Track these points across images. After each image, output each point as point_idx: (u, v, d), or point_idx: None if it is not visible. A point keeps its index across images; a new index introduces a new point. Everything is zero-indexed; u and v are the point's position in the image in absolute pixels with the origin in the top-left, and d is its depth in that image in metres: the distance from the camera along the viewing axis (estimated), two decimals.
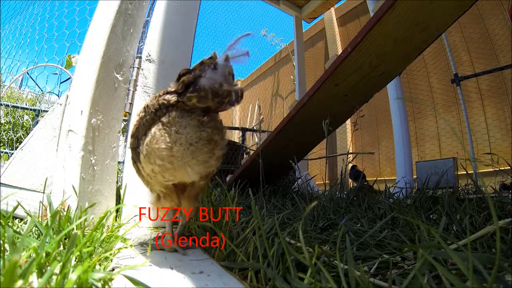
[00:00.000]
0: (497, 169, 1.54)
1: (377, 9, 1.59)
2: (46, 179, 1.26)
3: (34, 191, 1.28)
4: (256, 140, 7.10)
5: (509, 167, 1.44)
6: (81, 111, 1.25)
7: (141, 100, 1.52)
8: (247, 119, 8.86)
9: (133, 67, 1.56)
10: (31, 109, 5.31)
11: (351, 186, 3.84)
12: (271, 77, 8.51)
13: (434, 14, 1.66)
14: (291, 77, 6.97)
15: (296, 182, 2.66)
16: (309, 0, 5.00)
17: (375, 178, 2.49)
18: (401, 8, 1.54)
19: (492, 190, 1.52)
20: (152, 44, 1.61)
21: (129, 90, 1.52)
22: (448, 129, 4.19)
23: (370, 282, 0.64)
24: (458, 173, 3.32)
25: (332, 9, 6.21)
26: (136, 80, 1.54)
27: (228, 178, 2.80)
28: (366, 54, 1.75)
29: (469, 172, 3.12)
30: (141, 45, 1.62)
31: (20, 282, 0.45)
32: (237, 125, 8.57)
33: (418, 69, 4.82)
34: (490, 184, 1.64)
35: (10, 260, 0.42)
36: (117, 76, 1.45)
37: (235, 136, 8.09)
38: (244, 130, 5.94)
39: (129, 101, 1.52)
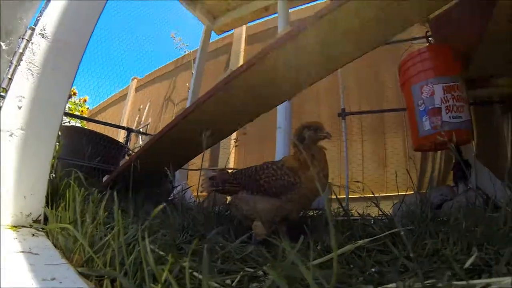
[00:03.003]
0: (363, 196, 1.78)
1: (278, 37, 1.67)
2: None
3: None
4: (140, 142, 6.81)
5: (372, 195, 1.67)
6: None
7: (23, 77, 1.34)
8: (135, 120, 8.44)
9: (23, 38, 1.36)
10: None
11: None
12: (167, 81, 8.28)
13: (333, 51, 1.80)
14: (187, 84, 6.89)
15: (173, 191, 2.62)
16: (225, 13, 5.06)
17: None
18: (301, 40, 1.62)
19: (357, 214, 1.74)
20: (50, 18, 1.42)
21: (11, 63, 1.32)
22: (329, 157, 4.64)
23: None
24: (332, 197, 3.68)
25: (244, 27, 6.39)
26: (22, 54, 1.35)
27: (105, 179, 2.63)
28: (259, 75, 1.80)
29: (342, 197, 3.52)
30: (39, 16, 1.43)
31: None
32: (124, 125, 8.07)
33: (311, 98, 5.25)
34: (357, 209, 1.88)
35: None
36: (2, 44, 1.25)
37: (121, 136, 7.62)
38: (130, 130, 5.63)
39: (9, 76, 1.31)
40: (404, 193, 1.83)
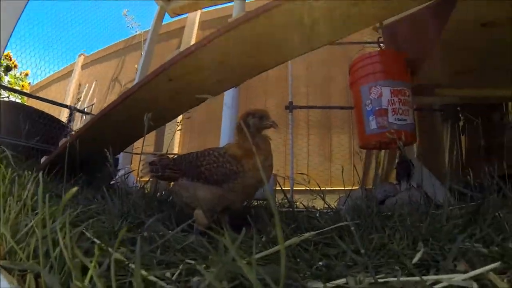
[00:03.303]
0: (309, 188, 1.76)
1: (232, 20, 1.61)
2: None
3: None
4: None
5: (319, 188, 1.66)
6: None
7: None
8: (80, 99, 7.92)
9: None
10: None
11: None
12: (116, 60, 7.86)
13: (285, 42, 1.80)
14: (136, 65, 6.58)
15: (115, 175, 2.48)
16: None
17: None
18: (256, 27, 1.59)
19: (302, 206, 1.72)
20: None
21: None
22: (274, 148, 4.72)
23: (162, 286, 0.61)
24: (277, 188, 3.70)
25: (199, 12, 6.22)
26: None
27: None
28: (208, 58, 1.74)
29: (287, 188, 3.53)
30: None
31: None
32: (68, 103, 7.51)
33: (259, 88, 5.25)
34: (302, 201, 1.86)
35: None
36: None
37: (64, 115, 7.11)
38: (73, 109, 5.26)
39: None
40: (349, 187, 1.85)
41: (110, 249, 0.63)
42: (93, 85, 7.83)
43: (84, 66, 8.81)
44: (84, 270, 0.60)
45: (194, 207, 1.31)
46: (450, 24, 2.06)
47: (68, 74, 9.08)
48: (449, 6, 1.95)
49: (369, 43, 4.39)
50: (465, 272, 0.64)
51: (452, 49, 2.38)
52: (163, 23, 5.15)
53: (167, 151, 4.37)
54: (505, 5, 1.82)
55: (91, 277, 0.56)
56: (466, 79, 2.81)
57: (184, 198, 1.34)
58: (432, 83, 2.96)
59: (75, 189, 0.59)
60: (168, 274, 0.70)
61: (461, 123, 3.85)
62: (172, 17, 5.35)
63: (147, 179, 1.37)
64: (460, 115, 3.77)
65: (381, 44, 3.28)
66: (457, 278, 0.62)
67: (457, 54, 2.43)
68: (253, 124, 1.35)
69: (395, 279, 0.62)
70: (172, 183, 1.49)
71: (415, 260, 0.75)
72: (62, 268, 0.63)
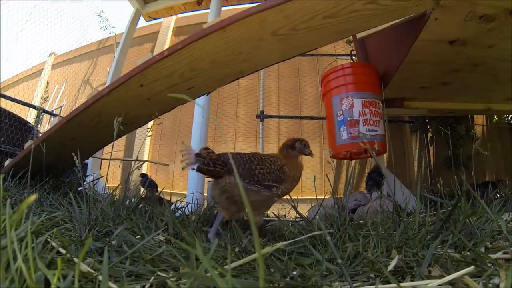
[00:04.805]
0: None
1: (207, 26, 1.59)
2: None
3: None
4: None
5: (289, 197, 1.64)
6: None
7: None
8: (50, 100, 7.60)
9: None
10: None
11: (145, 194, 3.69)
12: (87, 62, 7.60)
13: (258, 51, 1.79)
14: (107, 68, 6.42)
15: (84, 181, 2.37)
16: None
17: (169, 190, 2.44)
18: (230, 34, 1.59)
19: (273, 215, 1.70)
20: None
21: None
22: None
23: None
24: None
25: (174, 17, 6.15)
26: None
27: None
28: (181, 64, 1.73)
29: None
30: None
31: None
32: (37, 104, 7.17)
33: (230, 97, 5.26)
34: (273, 210, 1.84)
35: None
36: None
37: (32, 116, 6.79)
38: (41, 111, 5.04)
39: None
40: (319, 197, 1.84)
41: (75, 259, 0.58)
42: (63, 86, 7.55)
43: (54, 66, 8.45)
44: (50, 283, 0.55)
45: (238, 205, 1.40)
46: (418, 42, 2.13)
47: (37, 73, 8.66)
48: (419, 25, 2.02)
49: (342, 55, 4.49)
50: (440, 277, 0.64)
51: (418, 65, 2.46)
52: (137, 27, 5.05)
53: (137, 156, 4.25)
54: (471, 25, 1.92)
55: None
56: (432, 93, 2.91)
57: (235, 196, 1.38)
58: (402, 96, 3.04)
59: (33, 197, 0.53)
60: (138, 287, 0.65)
61: (429, 135, 4.01)
62: (147, 21, 5.25)
63: (194, 168, 1.36)
64: (428, 126, 3.92)
65: (354, 57, 3.35)
66: (433, 283, 0.61)
67: (424, 69, 2.51)
68: (299, 148, 1.57)
69: (373, 287, 0.60)
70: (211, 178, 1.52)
71: (390, 267, 0.74)
72: (24, 282, 0.56)
